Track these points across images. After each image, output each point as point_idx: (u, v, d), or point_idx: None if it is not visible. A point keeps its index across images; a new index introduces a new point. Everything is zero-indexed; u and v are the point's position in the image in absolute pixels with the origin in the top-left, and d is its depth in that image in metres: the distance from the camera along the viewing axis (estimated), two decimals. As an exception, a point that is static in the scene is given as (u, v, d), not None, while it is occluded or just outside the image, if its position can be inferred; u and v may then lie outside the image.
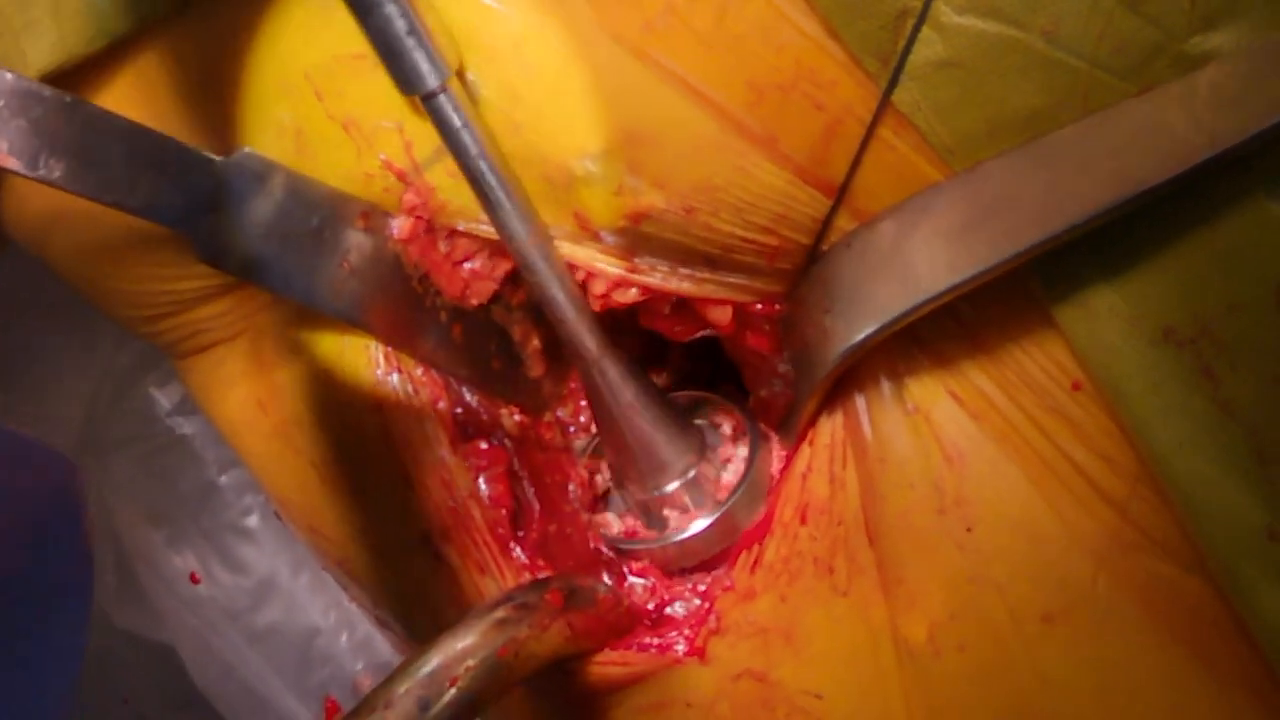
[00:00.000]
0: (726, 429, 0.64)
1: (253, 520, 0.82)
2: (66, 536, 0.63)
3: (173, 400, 0.81)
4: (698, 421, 0.65)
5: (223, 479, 0.82)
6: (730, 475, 0.62)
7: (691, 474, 0.60)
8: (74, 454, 0.80)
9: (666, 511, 0.61)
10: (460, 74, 0.53)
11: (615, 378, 0.58)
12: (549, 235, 0.55)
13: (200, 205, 0.54)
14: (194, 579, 0.81)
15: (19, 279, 0.77)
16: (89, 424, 0.80)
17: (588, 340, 0.57)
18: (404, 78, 0.52)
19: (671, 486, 0.61)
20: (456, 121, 0.52)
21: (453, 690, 0.48)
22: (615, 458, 0.62)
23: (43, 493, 0.63)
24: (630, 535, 0.63)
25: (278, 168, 0.55)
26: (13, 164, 0.50)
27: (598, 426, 0.61)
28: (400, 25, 0.50)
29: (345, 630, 0.81)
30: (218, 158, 0.54)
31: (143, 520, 0.81)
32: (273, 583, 0.81)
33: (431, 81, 0.51)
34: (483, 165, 0.53)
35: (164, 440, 0.82)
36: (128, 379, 0.81)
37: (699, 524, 0.60)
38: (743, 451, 0.62)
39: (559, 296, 0.56)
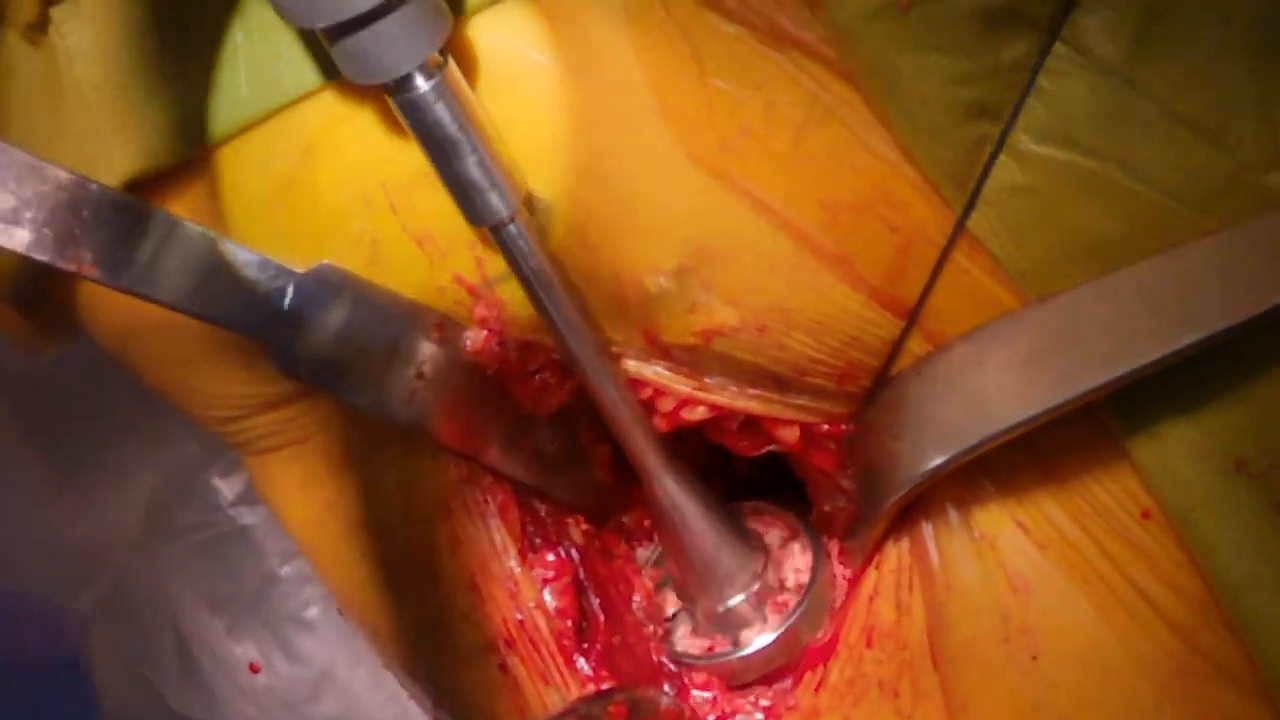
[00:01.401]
0: (789, 541, 0.64)
1: (313, 612, 0.82)
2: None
3: (235, 490, 0.82)
4: (759, 532, 0.65)
5: (284, 570, 0.82)
6: (793, 588, 0.62)
7: (755, 587, 0.61)
8: (135, 545, 0.81)
9: (730, 625, 0.61)
10: (533, 194, 0.54)
11: (678, 493, 0.59)
12: (613, 354, 0.56)
13: (279, 316, 0.54)
14: (254, 668, 0.81)
15: (88, 367, 0.78)
16: (152, 511, 0.81)
17: (650, 458, 0.58)
18: (473, 210, 0.52)
19: (735, 600, 0.61)
20: (524, 249, 0.53)
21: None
22: (678, 571, 0.62)
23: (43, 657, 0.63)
24: (694, 649, 0.63)
25: (354, 279, 0.56)
26: (96, 274, 0.51)
27: (660, 539, 0.62)
28: (471, 161, 0.51)
29: (403, 725, 0.82)
30: (297, 270, 0.55)
31: (204, 608, 0.81)
32: (332, 675, 0.82)
33: (501, 213, 0.52)
34: (548, 291, 0.53)
35: (226, 529, 0.82)
36: (193, 468, 0.82)
37: (763, 639, 0.61)
38: (806, 563, 0.63)
39: (623, 415, 0.56)
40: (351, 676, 0.82)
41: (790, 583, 0.62)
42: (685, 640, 0.64)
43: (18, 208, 0.49)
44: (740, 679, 0.62)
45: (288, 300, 0.54)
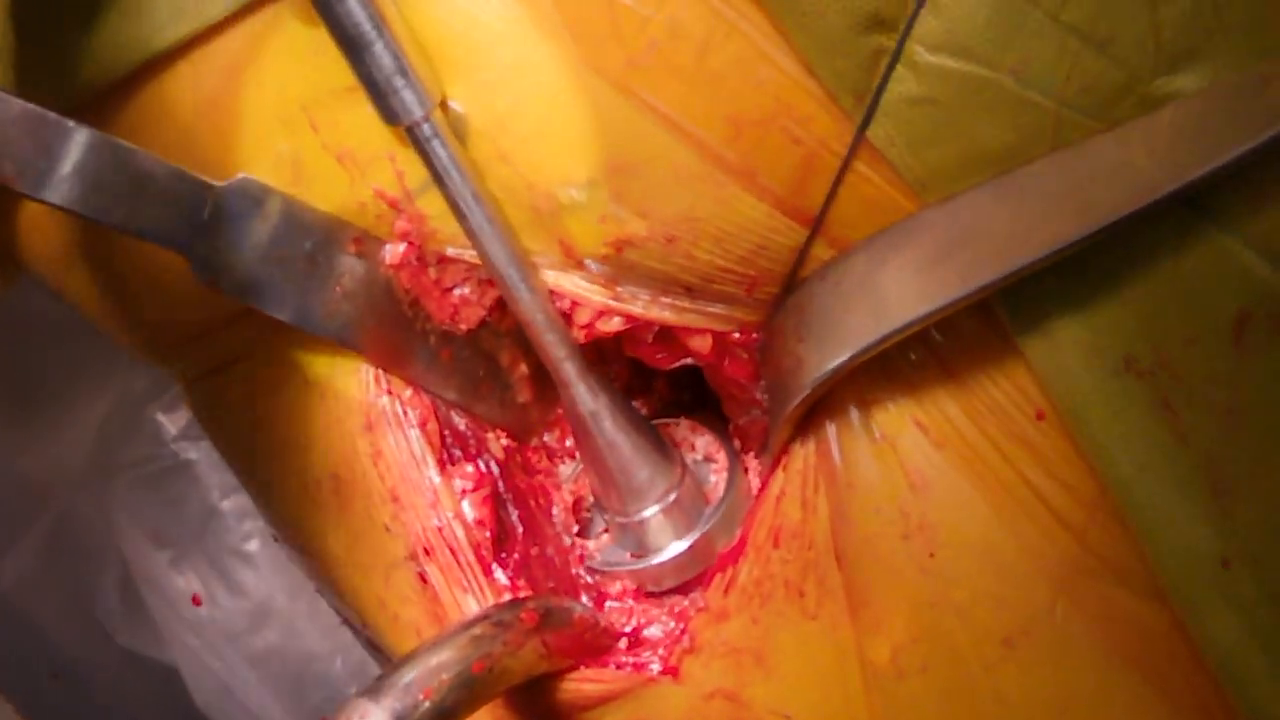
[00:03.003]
0: (706, 454, 0.66)
1: (253, 545, 0.84)
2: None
3: (179, 425, 0.84)
4: (679, 446, 0.66)
5: (225, 504, 0.84)
6: (709, 500, 0.63)
7: (671, 498, 0.62)
8: (80, 481, 0.83)
9: (646, 535, 0.63)
10: (449, 104, 0.55)
11: (595, 403, 0.60)
12: (532, 263, 0.57)
13: (198, 228, 0.55)
14: (196, 601, 0.83)
15: (33, 309, 0.79)
16: (98, 447, 0.83)
17: (568, 366, 0.59)
18: (389, 109, 0.54)
19: (651, 510, 0.62)
20: (440, 150, 0.54)
21: (426, 703, 0.49)
22: (596, 482, 0.63)
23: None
24: (611, 559, 0.64)
25: (273, 193, 0.57)
26: (19, 185, 0.52)
27: (579, 451, 0.63)
28: (386, 60, 0.53)
29: (340, 655, 0.83)
30: (216, 183, 0.56)
31: (148, 542, 0.83)
32: (271, 607, 0.83)
33: (416, 112, 0.53)
34: (466, 193, 0.55)
35: (170, 464, 0.84)
36: (137, 404, 0.83)
37: (677, 547, 0.62)
38: (722, 476, 0.64)
39: (540, 321, 0.57)
40: (291, 608, 0.83)
41: (707, 493, 0.64)
42: (602, 551, 0.65)
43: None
44: (656, 586, 0.63)
45: (206, 212, 0.56)
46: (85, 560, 0.83)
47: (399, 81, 0.53)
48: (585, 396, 0.60)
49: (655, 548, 0.63)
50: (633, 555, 0.63)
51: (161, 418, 0.83)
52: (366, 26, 0.52)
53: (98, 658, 0.82)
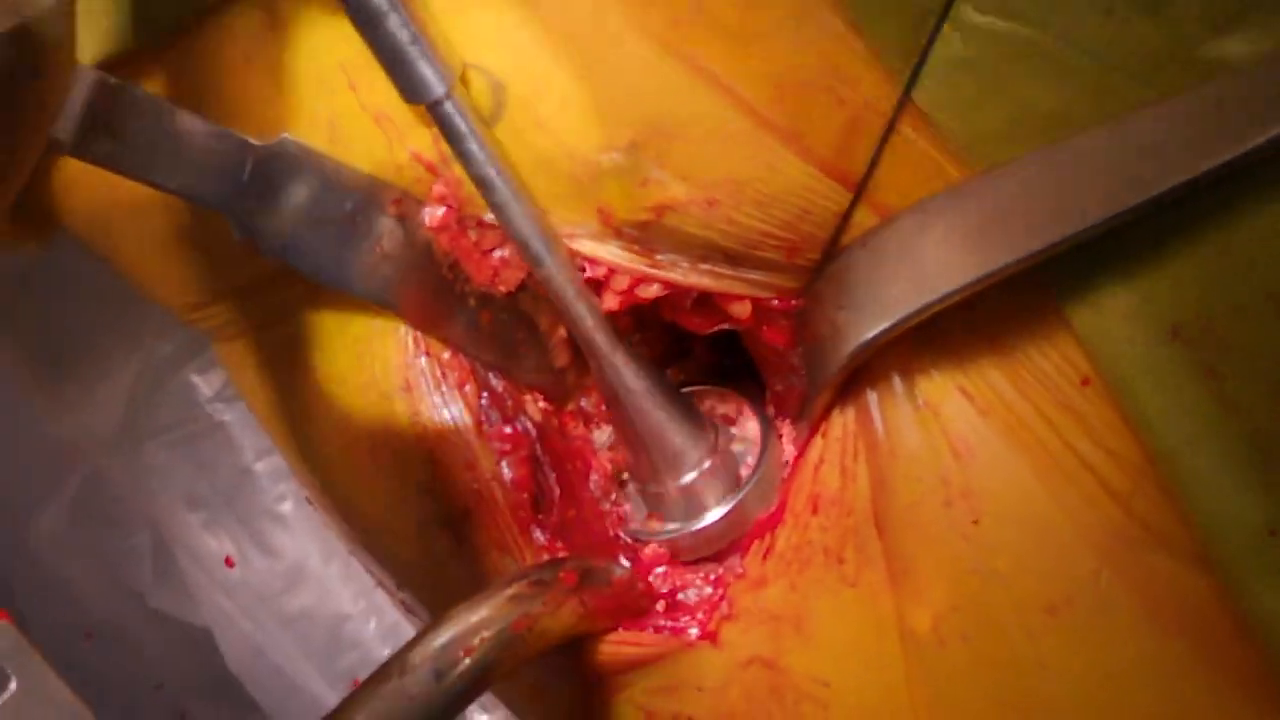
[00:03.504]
0: (741, 421, 0.66)
1: (286, 506, 0.84)
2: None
3: (213, 388, 0.84)
4: (713, 414, 0.66)
5: (258, 465, 0.84)
6: (744, 467, 0.63)
7: (706, 465, 0.61)
8: (113, 442, 0.83)
9: (679, 504, 0.63)
10: (486, 71, 0.55)
11: (627, 373, 0.60)
12: (558, 235, 0.57)
13: (239, 188, 0.56)
14: (229, 563, 0.83)
15: (69, 269, 0.79)
16: (130, 410, 0.83)
17: (599, 338, 0.58)
18: (410, 87, 0.54)
19: (686, 479, 0.62)
20: (461, 128, 0.54)
21: (467, 660, 0.50)
22: (629, 451, 0.63)
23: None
24: (647, 528, 0.64)
25: (314, 153, 0.57)
26: (61, 143, 0.52)
27: (612, 421, 0.63)
28: (403, 36, 0.52)
29: (373, 617, 0.83)
30: (257, 142, 0.56)
31: (181, 504, 0.83)
32: (304, 568, 0.83)
33: (437, 90, 0.53)
34: (490, 170, 0.55)
35: (203, 426, 0.84)
36: (170, 366, 0.84)
37: (712, 515, 0.62)
38: (756, 442, 0.64)
39: (569, 294, 0.57)
40: (324, 571, 0.84)
41: (741, 461, 0.63)
42: (638, 519, 0.65)
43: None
44: (692, 555, 0.63)
45: (247, 172, 0.56)
46: (118, 522, 0.83)
47: (416, 55, 0.53)
48: (616, 368, 0.59)
49: (688, 517, 0.63)
50: (668, 524, 0.63)
51: (196, 379, 0.84)
52: (384, 5, 0.52)
53: (130, 619, 0.83)
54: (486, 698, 0.81)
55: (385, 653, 0.81)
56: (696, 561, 0.64)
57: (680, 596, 0.62)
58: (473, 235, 0.59)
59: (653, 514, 0.64)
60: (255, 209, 0.56)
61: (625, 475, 0.67)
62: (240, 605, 0.82)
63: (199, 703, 0.83)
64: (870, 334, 0.54)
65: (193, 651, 0.84)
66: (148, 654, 0.83)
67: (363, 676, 0.50)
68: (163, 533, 0.83)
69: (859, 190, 0.55)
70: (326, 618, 0.83)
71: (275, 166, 0.56)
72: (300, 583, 0.83)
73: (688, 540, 0.62)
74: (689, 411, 0.62)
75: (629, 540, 0.64)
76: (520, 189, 0.55)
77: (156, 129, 0.54)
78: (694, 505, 0.62)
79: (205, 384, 0.84)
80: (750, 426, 0.65)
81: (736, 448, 0.64)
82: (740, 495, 0.61)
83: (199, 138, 0.55)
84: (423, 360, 0.61)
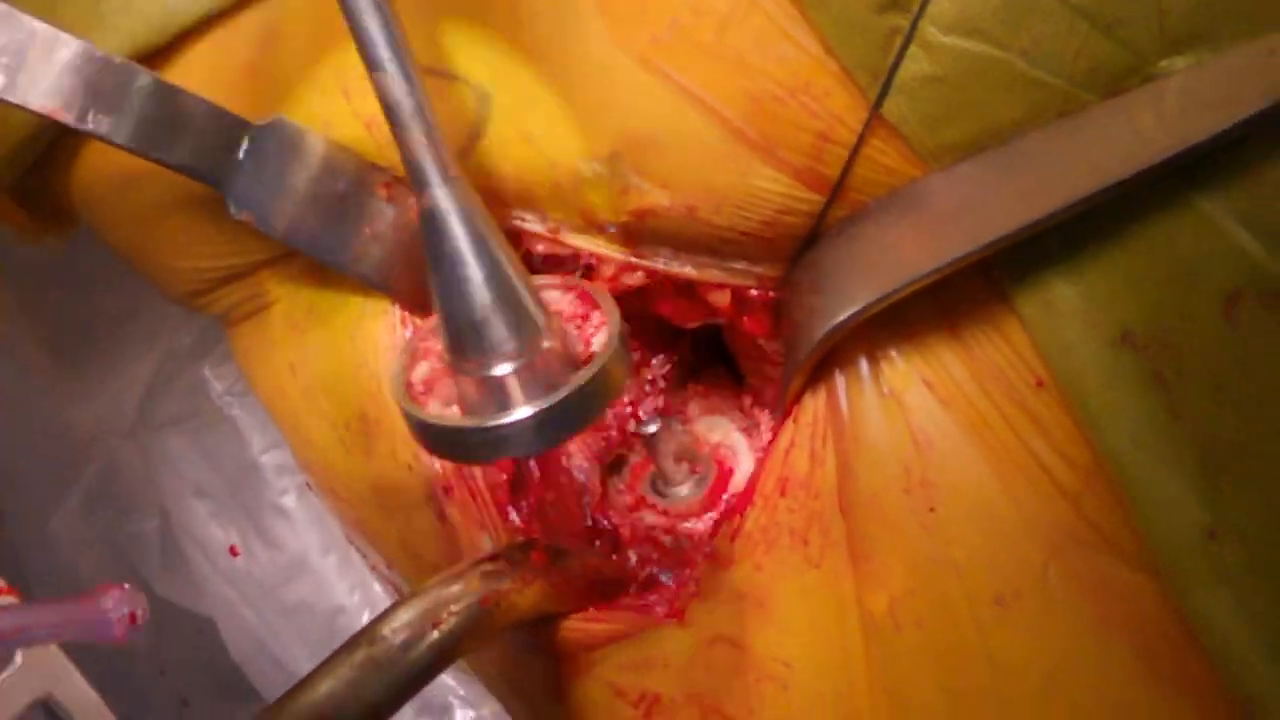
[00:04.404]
0: (588, 326, 0.55)
1: (289, 500, 0.86)
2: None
3: (225, 382, 0.86)
4: (551, 303, 0.56)
5: (264, 459, 0.86)
6: (574, 365, 0.53)
7: (529, 357, 0.51)
8: (127, 432, 0.85)
9: (494, 394, 0.51)
10: (471, 86, 0.58)
11: (457, 215, 0.51)
12: (419, 63, 0.52)
13: (235, 165, 0.58)
14: (233, 552, 0.85)
15: (88, 264, 0.82)
16: (146, 400, 0.85)
17: (429, 163, 0.51)
18: None
19: (503, 368, 0.51)
20: None
21: (434, 633, 0.51)
22: (446, 323, 0.52)
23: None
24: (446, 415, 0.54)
25: (309, 134, 0.59)
26: (64, 116, 0.55)
27: (431, 283, 0.52)
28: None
29: (368, 609, 0.85)
30: (253, 122, 0.58)
31: (189, 494, 0.85)
32: (304, 561, 0.85)
33: None
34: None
35: (214, 419, 0.86)
36: (185, 360, 0.86)
37: (524, 411, 0.50)
38: (599, 341, 0.54)
39: (407, 107, 0.51)
40: (322, 563, 0.85)
41: (573, 359, 0.54)
42: (448, 409, 0.54)
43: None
44: (499, 452, 0.52)
45: (243, 149, 0.58)
46: (129, 510, 0.85)
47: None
48: (446, 207, 0.51)
49: (496, 408, 0.51)
50: (477, 413, 0.52)
51: (208, 374, 0.86)
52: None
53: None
54: (476, 693, 0.82)
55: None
56: (674, 548, 0.65)
57: (648, 574, 0.64)
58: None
59: (457, 400, 0.54)
60: (251, 186, 0.59)
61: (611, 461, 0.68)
62: (243, 595, 0.84)
63: (200, 690, 0.85)
64: (843, 315, 0.55)
65: (196, 640, 0.85)
66: (152, 641, 0.85)
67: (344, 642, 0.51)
68: (171, 521, 0.85)
69: (832, 195, 0.57)
70: (323, 610, 0.85)
71: (271, 144, 0.59)
72: (300, 574, 0.85)
73: (488, 436, 0.51)
74: (522, 289, 0.52)
75: (603, 521, 0.65)
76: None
77: (159, 107, 0.56)
78: (508, 398, 0.51)
79: (217, 378, 0.86)
80: (601, 336, 0.54)
81: (571, 344, 0.54)
82: (562, 394, 0.50)
83: (197, 116, 0.57)
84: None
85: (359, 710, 0.49)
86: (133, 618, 0.61)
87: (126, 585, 0.61)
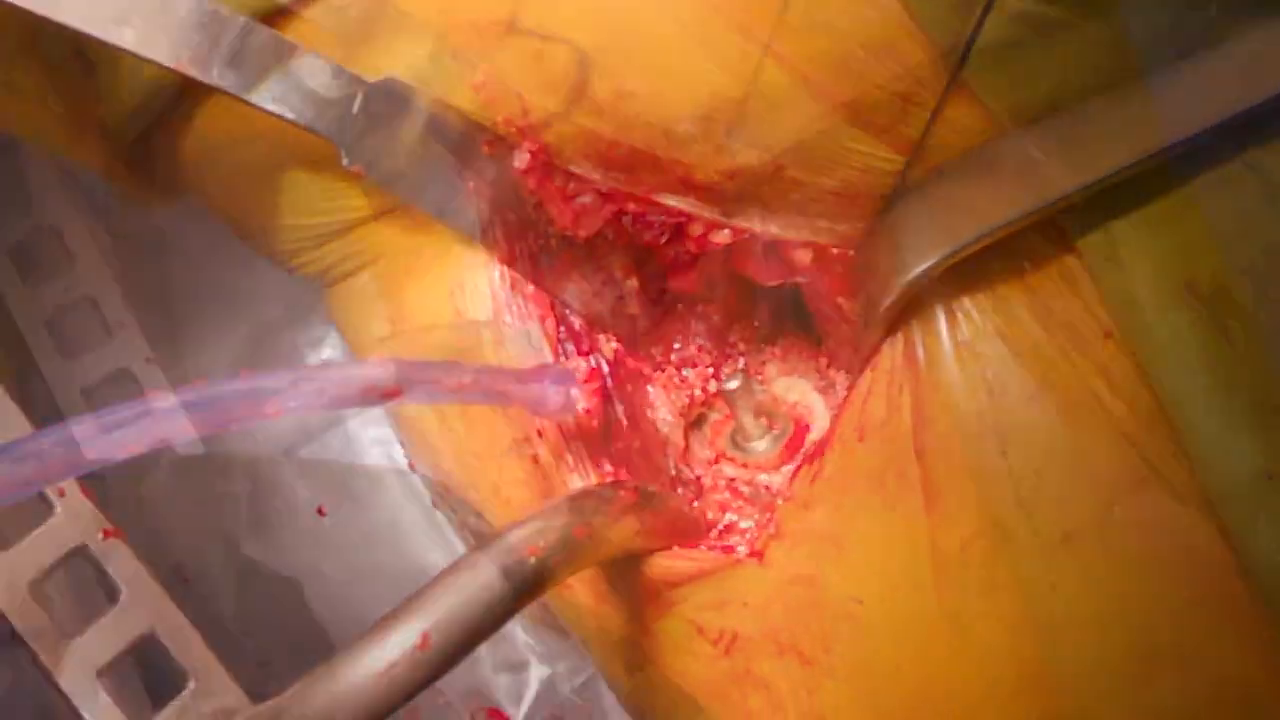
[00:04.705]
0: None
1: (377, 460, 0.89)
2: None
3: (315, 350, 0.90)
4: None
5: (352, 421, 0.89)
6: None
7: None
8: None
9: None
10: (572, 46, 0.60)
11: None
12: None
13: (348, 118, 0.62)
14: (321, 512, 0.88)
15: (186, 231, 0.86)
16: (237, 365, 0.89)
17: None
18: None
19: None
20: None
21: (532, 560, 0.54)
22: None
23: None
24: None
25: (419, 92, 0.63)
26: (190, 70, 0.60)
27: None
28: None
29: (451, 570, 0.87)
30: (367, 79, 0.62)
31: (279, 454, 0.88)
32: (391, 521, 0.88)
33: None
34: None
35: (305, 383, 0.89)
36: (279, 328, 0.90)
37: None
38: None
39: None
40: (409, 526, 0.88)
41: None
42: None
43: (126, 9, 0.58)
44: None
45: (357, 105, 0.62)
46: (220, 470, 0.89)
47: None
48: None
49: None
50: None
51: (300, 340, 0.89)
52: None
53: (224, 566, 0.88)
54: (552, 649, 0.85)
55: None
56: (752, 492, 0.68)
57: (729, 517, 0.66)
58: (557, 181, 0.65)
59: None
60: (364, 140, 0.62)
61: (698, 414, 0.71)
62: (328, 555, 0.87)
63: (282, 652, 0.88)
64: (920, 268, 0.58)
65: (280, 600, 0.88)
66: (238, 601, 0.88)
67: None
68: (260, 482, 0.88)
69: (913, 154, 0.60)
70: (407, 571, 0.87)
71: (383, 100, 0.62)
72: (385, 536, 0.88)
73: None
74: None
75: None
76: None
77: (277, 62, 0.61)
78: None
79: (307, 344, 0.90)
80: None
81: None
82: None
83: (315, 72, 0.61)
84: (508, 293, 0.66)
85: (461, 635, 0.51)
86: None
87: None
